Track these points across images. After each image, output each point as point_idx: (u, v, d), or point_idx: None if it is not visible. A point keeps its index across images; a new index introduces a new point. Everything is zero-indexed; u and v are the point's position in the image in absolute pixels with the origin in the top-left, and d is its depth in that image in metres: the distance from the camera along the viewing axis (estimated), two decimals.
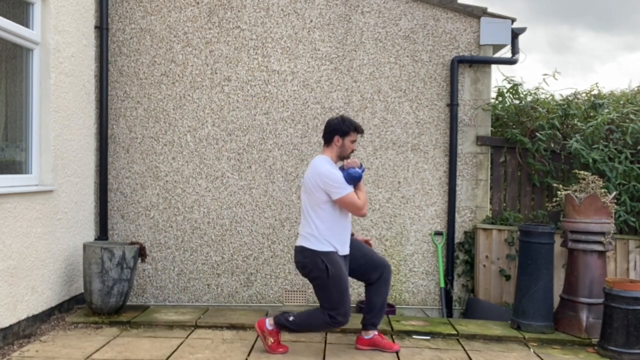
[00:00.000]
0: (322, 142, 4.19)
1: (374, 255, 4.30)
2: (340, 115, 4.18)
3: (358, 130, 4.13)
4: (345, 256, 4.08)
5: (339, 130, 4.07)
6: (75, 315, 4.87)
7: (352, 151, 4.15)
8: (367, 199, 4.10)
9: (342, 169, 4.05)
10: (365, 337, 4.27)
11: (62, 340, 4.31)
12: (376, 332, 4.31)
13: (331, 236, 3.98)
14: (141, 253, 5.10)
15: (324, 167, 3.98)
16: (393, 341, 4.52)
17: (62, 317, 4.83)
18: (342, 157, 4.13)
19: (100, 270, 4.75)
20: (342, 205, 3.98)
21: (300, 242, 4.06)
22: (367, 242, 4.44)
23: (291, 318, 4.06)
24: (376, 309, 4.26)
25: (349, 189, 3.95)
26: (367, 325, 4.29)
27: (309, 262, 3.98)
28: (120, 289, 4.83)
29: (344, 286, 3.98)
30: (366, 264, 4.23)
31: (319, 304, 4.11)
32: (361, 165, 4.09)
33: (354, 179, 3.98)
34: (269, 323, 4.14)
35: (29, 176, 4.61)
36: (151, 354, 4.05)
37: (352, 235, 4.32)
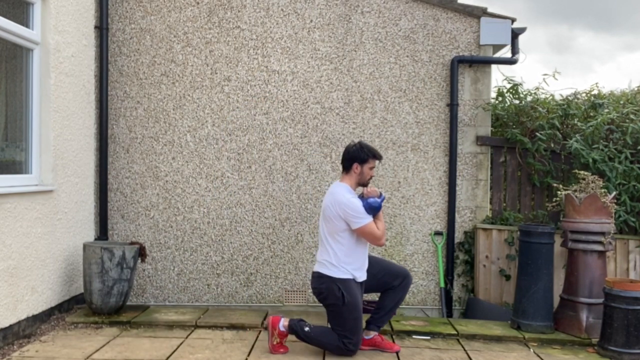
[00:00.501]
0: (341, 168, 4.21)
1: (393, 266, 4.33)
2: (359, 142, 4.16)
3: (377, 157, 4.13)
4: (362, 283, 4.10)
5: (357, 158, 4.07)
6: (75, 315, 4.87)
7: (371, 177, 4.16)
8: (385, 229, 4.11)
9: (361, 197, 4.05)
10: (366, 338, 4.27)
11: (62, 340, 4.31)
12: (377, 333, 4.32)
13: (349, 263, 4.00)
14: (141, 253, 5.10)
15: (344, 196, 3.97)
16: (393, 341, 4.52)
17: (62, 317, 4.83)
18: (361, 184, 4.15)
19: (100, 270, 4.75)
20: (361, 235, 3.99)
21: (318, 268, 4.08)
22: None
23: (307, 329, 4.08)
24: (385, 310, 4.27)
25: (369, 218, 3.95)
26: (371, 325, 4.29)
27: (325, 289, 4.00)
28: (120, 289, 4.83)
29: (358, 314, 4.00)
30: (386, 276, 4.23)
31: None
32: (381, 194, 4.09)
33: (373, 209, 3.98)
34: (282, 324, 4.13)
35: (29, 176, 4.61)
36: (151, 354, 4.05)
37: None
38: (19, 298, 4.28)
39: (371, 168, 4.12)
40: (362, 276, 4.09)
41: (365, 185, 4.16)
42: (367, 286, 4.20)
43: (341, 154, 5.67)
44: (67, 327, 4.65)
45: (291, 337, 4.42)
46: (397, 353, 4.25)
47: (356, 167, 4.08)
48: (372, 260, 4.25)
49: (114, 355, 4.00)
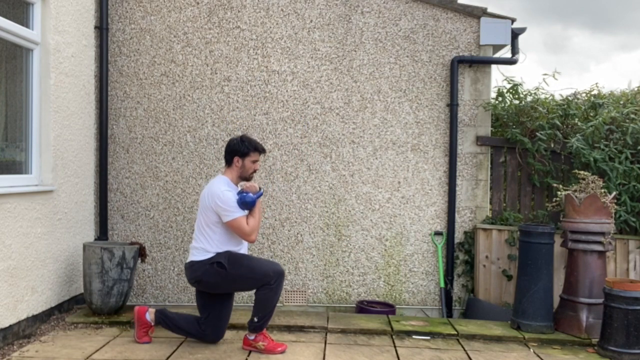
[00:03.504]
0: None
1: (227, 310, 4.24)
2: (241, 136, 4.14)
3: (259, 149, 4.11)
4: None
5: (238, 152, 4.05)
6: (75, 316, 4.87)
7: (254, 171, 4.14)
8: (259, 226, 4.05)
9: (240, 191, 4.02)
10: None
11: (62, 341, 4.30)
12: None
13: (220, 250, 4.00)
14: (141, 253, 5.10)
15: (219, 188, 3.96)
16: (393, 341, 4.52)
17: (62, 317, 4.83)
18: (244, 177, 4.12)
19: (100, 271, 4.75)
20: (231, 229, 3.97)
21: (190, 257, 4.08)
22: None
23: (255, 319, 4.07)
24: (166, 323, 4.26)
25: (240, 213, 3.92)
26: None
27: (202, 274, 4.00)
28: (120, 289, 4.83)
29: (245, 260, 4.00)
30: (217, 306, 4.17)
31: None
32: (260, 189, 4.05)
33: (246, 204, 3.95)
34: (248, 335, 4.17)
35: (29, 176, 4.61)
36: (151, 354, 4.05)
37: None
38: (18, 298, 4.28)
39: (254, 161, 4.09)
40: None
41: (248, 179, 4.13)
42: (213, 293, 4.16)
43: (341, 154, 5.71)
44: (67, 327, 4.65)
45: (291, 337, 4.43)
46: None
47: (237, 160, 4.06)
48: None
49: (114, 355, 4.00)
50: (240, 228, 3.93)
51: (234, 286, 4.12)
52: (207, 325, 4.18)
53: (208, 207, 3.97)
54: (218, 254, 4.00)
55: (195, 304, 4.31)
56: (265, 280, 3.97)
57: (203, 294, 4.17)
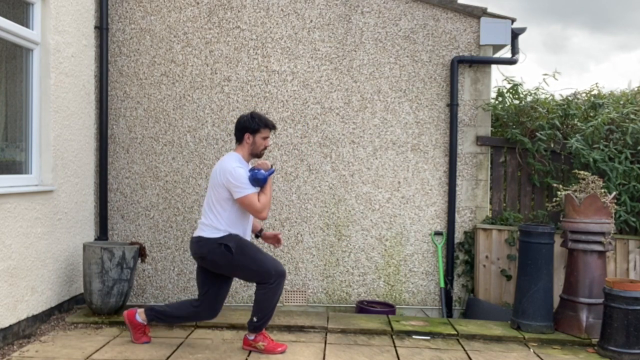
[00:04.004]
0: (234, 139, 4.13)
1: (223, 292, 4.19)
2: (251, 112, 4.11)
3: (269, 126, 4.07)
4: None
5: (248, 128, 4.02)
6: (75, 316, 4.87)
7: (265, 148, 4.10)
8: (270, 204, 4.03)
9: (252, 169, 3.99)
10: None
11: (62, 341, 4.30)
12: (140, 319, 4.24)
13: (230, 231, 3.96)
14: (141, 253, 5.10)
15: (230, 164, 3.92)
16: (393, 341, 4.52)
17: (62, 317, 4.83)
18: (254, 154, 4.09)
19: (100, 271, 4.75)
20: (242, 205, 3.93)
21: (197, 232, 4.03)
22: (276, 236, 4.36)
23: (255, 319, 4.06)
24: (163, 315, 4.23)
25: (252, 190, 3.89)
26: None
27: (207, 251, 3.95)
28: (120, 289, 4.83)
29: (254, 250, 3.96)
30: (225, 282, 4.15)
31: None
32: (272, 166, 4.03)
33: (257, 181, 3.92)
34: (248, 335, 4.16)
35: (29, 176, 4.61)
36: (151, 354, 4.05)
37: (261, 230, 4.35)
38: (18, 298, 4.28)
39: (264, 138, 4.06)
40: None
41: (259, 156, 4.11)
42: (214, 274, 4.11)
43: (341, 154, 5.71)
44: (67, 327, 4.65)
45: (291, 337, 4.43)
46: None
47: (248, 137, 4.03)
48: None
49: (114, 355, 4.00)
50: (252, 205, 3.89)
51: (235, 272, 4.07)
52: (203, 302, 4.11)
53: (219, 184, 3.92)
54: (228, 236, 3.94)
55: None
56: (265, 277, 3.96)
57: (205, 271, 4.11)
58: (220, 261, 3.95)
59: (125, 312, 4.28)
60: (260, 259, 3.99)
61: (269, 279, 3.96)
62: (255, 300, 4.04)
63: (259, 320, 4.05)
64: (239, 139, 4.09)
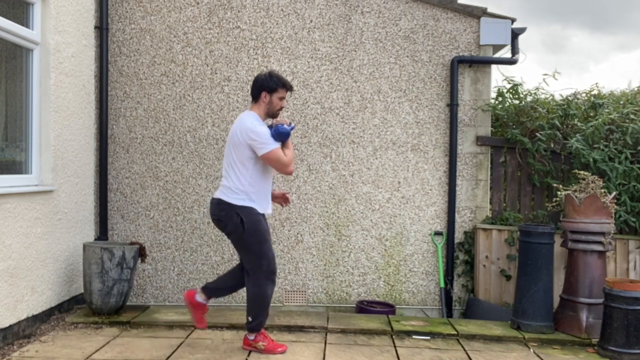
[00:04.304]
0: (252, 100, 4.09)
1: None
2: (269, 71, 4.06)
3: (287, 86, 4.02)
4: (262, 215, 4.01)
5: (266, 87, 3.96)
6: (75, 316, 4.87)
7: (281, 108, 4.06)
8: (293, 159, 3.99)
9: (270, 127, 3.95)
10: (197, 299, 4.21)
11: (62, 341, 4.30)
12: (199, 296, 4.21)
13: (252, 192, 3.91)
14: (141, 253, 5.10)
15: (251, 122, 3.88)
16: (393, 341, 4.52)
17: (62, 317, 4.83)
18: (270, 114, 4.04)
19: (100, 271, 4.75)
20: (267, 162, 3.89)
21: (218, 194, 3.98)
22: (284, 195, 4.33)
23: (250, 318, 4.06)
24: (221, 289, 4.22)
25: (275, 145, 3.85)
26: (205, 290, 4.21)
27: (224, 216, 3.92)
28: (120, 289, 4.83)
29: (261, 238, 3.93)
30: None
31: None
32: (290, 123, 3.99)
33: (281, 135, 3.88)
34: (248, 335, 4.16)
35: (29, 176, 4.61)
36: (151, 354, 4.05)
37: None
38: (18, 298, 4.28)
39: (281, 98, 4.01)
40: (265, 208, 4.02)
41: (274, 116, 4.06)
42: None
43: (341, 154, 5.71)
44: (67, 327, 4.65)
45: (291, 337, 4.43)
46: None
47: (265, 95, 3.98)
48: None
49: (114, 355, 4.00)
50: (279, 159, 3.86)
51: (236, 244, 4.04)
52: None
53: (241, 143, 3.87)
54: (249, 209, 3.89)
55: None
56: (256, 267, 3.94)
57: None
58: (230, 228, 3.93)
59: (185, 293, 4.23)
60: (263, 250, 3.96)
61: (258, 272, 3.95)
62: (247, 299, 4.05)
63: (254, 319, 4.05)
64: (255, 97, 4.03)
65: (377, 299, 5.71)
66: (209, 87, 5.71)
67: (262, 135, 3.83)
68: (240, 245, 4.00)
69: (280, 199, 4.33)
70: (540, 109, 5.74)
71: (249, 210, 3.90)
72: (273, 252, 4.05)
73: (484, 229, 5.58)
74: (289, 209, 5.71)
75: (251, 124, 3.86)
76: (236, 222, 3.88)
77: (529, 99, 5.95)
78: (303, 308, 5.68)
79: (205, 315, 4.27)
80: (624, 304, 4.16)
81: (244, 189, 3.90)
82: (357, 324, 4.82)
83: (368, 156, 5.73)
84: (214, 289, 4.21)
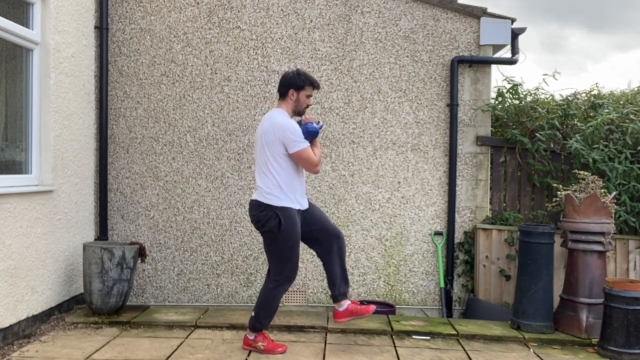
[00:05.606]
0: (278, 95, 4.10)
1: (327, 224, 4.19)
2: (297, 69, 4.10)
3: (314, 84, 4.04)
4: (299, 211, 4.02)
5: (294, 84, 3.98)
6: (75, 316, 4.87)
7: (307, 106, 4.08)
8: (322, 159, 4.02)
9: (299, 124, 3.96)
10: (340, 310, 4.19)
11: (62, 341, 4.30)
12: (349, 302, 4.20)
13: (289, 191, 3.92)
14: (141, 253, 5.11)
15: (282, 119, 3.90)
16: (393, 341, 4.52)
17: (62, 317, 4.83)
18: (297, 112, 4.06)
19: (100, 271, 4.75)
20: (297, 160, 3.91)
21: (257, 196, 3.99)
22: None
23: (253, 313, 4.06)
24: (338, 278, 4.17)
25: (306, 143, 3.88)
26: (338, 297, 4.19)
27: (264, 217, 3.92)
28: (120, 289, 4.83)
29: (293, 243, 3.94)
30: (319, 230, 4.13)
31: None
32: (319, 122, 4.01)
33: (311, 134, 3.91)
34: (248, 335, 4.16)
35: (29, 176, 4.61)
36: (151, 354, 4.05)
37: None
38: (18, 298, 4.28)
39: (308, 96, 4.03)
40: (302, 204, 4.03)
41: (301, 114, 4.08)
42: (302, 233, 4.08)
43: (341, 154, 5.71)
44: (67, 327, 4.65)
45: (291, 337, 4.43)
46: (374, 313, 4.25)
47: (292, 93, 3.99)
48: (312, 209, 4.15)
49: (114, 355, 4.00)
50: (310, 158, 3.88)
51: (267, 243, 4.02)
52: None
53: (274, 141, 3.86)
54: (288, 209, 3.90)
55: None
56: (279, 270, 3.97)
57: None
58: (267, 227, 3.91)
59: (337, 319, 4.21)
60: (292, 255, 3.97)
61: (279, 274, 3.97)
62: (259, 294, 4.06)
63: (257, 315, 4.05)
64: (283, 95, 4.04)
65: (377, 299, 5.71)
66: (208, 87, 5.71)
67: (297, 132, 3.87)
68: (272, 245, 3.99)
69: None
70: (540, 109, 5.75)
71: (288, 213, 3.92)
72: (298, 258, 4.04)
73: (484, 229, 5.59)
74: None
75: (285, 121, 3.89)
76: (274, 223, 3.89)
77: (528, 99, 5.95)
78: (303, 308, 5.68)
79: (358, 305, 4.24)
80: (623, 304, 4.16)
81: (279, 186, 3.91)
82: (357, 324, 4.82)
83: (368, 156, 5.73)
84: (335, 284, 4.16)
